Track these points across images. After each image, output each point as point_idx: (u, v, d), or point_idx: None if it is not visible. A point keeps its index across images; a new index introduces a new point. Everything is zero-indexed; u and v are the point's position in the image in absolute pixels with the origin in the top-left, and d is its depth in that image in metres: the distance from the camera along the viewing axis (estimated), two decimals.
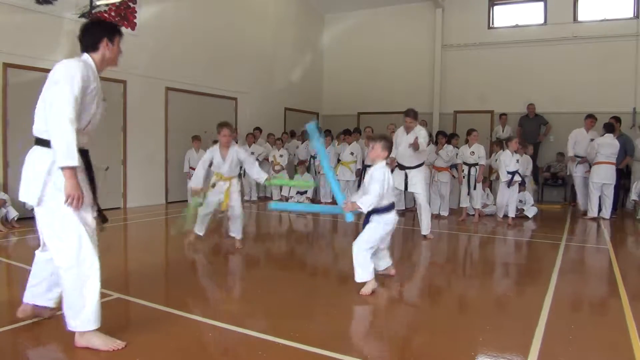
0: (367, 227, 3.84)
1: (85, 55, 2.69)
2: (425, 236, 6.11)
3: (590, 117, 8.43)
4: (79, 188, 2.45)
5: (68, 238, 2.50)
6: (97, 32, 2.69)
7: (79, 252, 2.51)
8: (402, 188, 6.19)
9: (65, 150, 2.36)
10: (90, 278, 2.53)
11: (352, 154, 9.31)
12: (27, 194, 2.52)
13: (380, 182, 3.67)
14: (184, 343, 2.73)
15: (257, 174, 5.13)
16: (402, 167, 6.17)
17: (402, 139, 6.12)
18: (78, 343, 2.57)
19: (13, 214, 6.32)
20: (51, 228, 2.52)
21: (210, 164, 5.28)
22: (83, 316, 2.52)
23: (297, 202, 9.46)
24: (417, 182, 6.08)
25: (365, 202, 3.68)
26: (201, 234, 5.49)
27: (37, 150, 2.55)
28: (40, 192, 2.47)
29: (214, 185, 5.23)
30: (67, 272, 2.51)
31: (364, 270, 3.74)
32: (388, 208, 3.83)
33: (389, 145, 3.90)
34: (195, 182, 5.16)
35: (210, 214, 5.44)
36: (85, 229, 2.53)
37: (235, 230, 5.36)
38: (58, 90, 2.45)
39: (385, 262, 4.12)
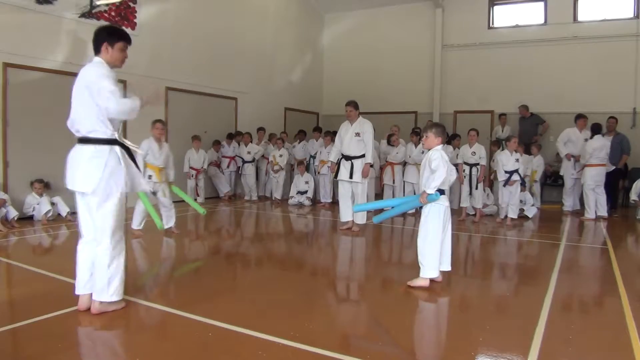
0: (425, 216, 3.81)
1: (97, 58, 3.05)
2: (349, 228, 6.42)
3: (582, 117, 8.43)
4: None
5: (111, 221, 2.99)
6: (99, 37, 3.04)
7: (120, 231, 3.04)
8: (347, 178, 6.34)
9: (134, 106, 3.00)
10: (122, 253, 3.07)
11: None
12: (83, 183, 2.93)
13: (443, 163, 3.70)
14: (184, 343, 2.73)
15: (171, 174, 6.02)
16: (347, 158, 6.37)
17: (347, 131, 6.42)
18: (97, 310, 2.98)
19: (13, 213, 6.32)
20: (101, 212, 2.96)
21: None
22: (113, 288, 3.00)
23: (300, 202, 9.47)
24: (358, 171, 6.28)
25: (430, 185, 3.70)
26: (139, 226, 5.89)
27: (85, 147, 2.95)
28: (97, 182, 2.90)
29: (150, 177, 5.71)
30: (107, 249, 2.96)
31: (432, 265, 3.75)
32: (441, 192, 3.79)
33: (441, 131, 3.92)
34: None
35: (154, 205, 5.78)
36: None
37: (170, 220, 5.94)
38: (107, 87, 2.88)
39: (446, 263, 3.90)
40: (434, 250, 3.75)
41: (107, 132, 2.95)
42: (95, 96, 2.87)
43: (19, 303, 3.24)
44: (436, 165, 3.70)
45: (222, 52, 10.22)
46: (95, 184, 2.91)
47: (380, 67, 12.74)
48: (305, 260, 5.22)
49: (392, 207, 4.39)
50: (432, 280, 3.84)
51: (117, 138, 3.01)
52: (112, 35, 3.05)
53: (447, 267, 3.89)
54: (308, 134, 10.90)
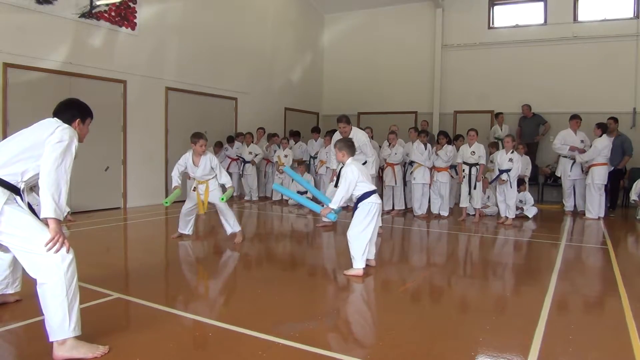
0: (357, 212, 4.18)
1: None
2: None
3: (576, 118, 8.43)
4: None
5: None
6: (72, 112, 2.80)
7: None
8: None
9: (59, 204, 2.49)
10: None
11: None
12: None
13: (346, 180, 4.08)
14: (184, 343, 2.73)
15: (225, 180, 5.59)
16: None
17: None
18: (57, 355, 2.44)
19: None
20: None
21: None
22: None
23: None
24: None
25: (333, 201, 4.12)
26: (188, 232, 5.75)
27: None
28: None
29: (194, 189, 5.57)
30: None
31: (361, 258, 4.10)
32: (366, 195, 4.13)
33: (342, 145, 4.27)
34: (175, 181, 5.54)
35: (193, 215, 5.73)
36: None
37: (231, 225, 5.65)
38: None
39: (370, 253, 4.30)
40: (363, 244, 4.11)
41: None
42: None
43: (19, 303, 3.25)
44: (341, 185, 4.12)
45: (222, 52, 10.23)
46: None
47: (380, 67, 12.75)
48: (306, 260, 5.22)
49: (302, 195, 4.93)
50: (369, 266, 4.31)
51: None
52: (86, 112, 2.86)
53: (372, 256, 4.33)
54: (307, 134, 10.89)
